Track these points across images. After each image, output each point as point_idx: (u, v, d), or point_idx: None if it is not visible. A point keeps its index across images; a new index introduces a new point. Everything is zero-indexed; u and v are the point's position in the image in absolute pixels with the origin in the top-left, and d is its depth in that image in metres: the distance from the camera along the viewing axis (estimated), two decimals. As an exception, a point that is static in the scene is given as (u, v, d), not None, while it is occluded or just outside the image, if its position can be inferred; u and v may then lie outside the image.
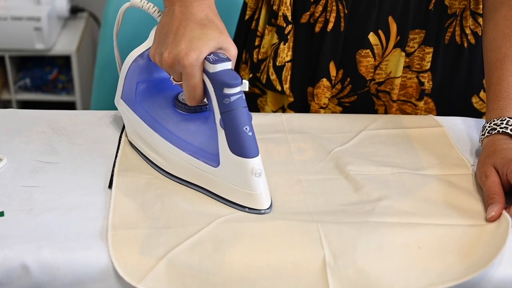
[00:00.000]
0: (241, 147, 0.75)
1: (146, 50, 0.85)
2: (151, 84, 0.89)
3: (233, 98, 0.75)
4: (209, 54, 0.76)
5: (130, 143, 0.90)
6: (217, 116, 0.77)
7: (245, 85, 0.76)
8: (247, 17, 1.16)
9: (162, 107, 0.86)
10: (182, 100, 0.85)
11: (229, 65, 0.77)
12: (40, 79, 2.36)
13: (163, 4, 0.83)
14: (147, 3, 0.85)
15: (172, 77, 0.81)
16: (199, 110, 0.83)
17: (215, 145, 0.78)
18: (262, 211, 0.77)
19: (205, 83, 0.78)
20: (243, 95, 0.76)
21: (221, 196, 0.79)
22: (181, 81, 0.79)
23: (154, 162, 0.85)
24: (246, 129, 0.76)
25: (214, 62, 0.76)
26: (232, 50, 0.79)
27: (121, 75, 0.89)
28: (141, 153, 0.87)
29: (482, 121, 0.93)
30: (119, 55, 0.92)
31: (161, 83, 0.89)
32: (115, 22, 0.90)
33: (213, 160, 0.78)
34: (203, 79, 0.77)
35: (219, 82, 0.75)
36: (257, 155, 0.76)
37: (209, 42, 0.77)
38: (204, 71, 0.77)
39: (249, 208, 0.77)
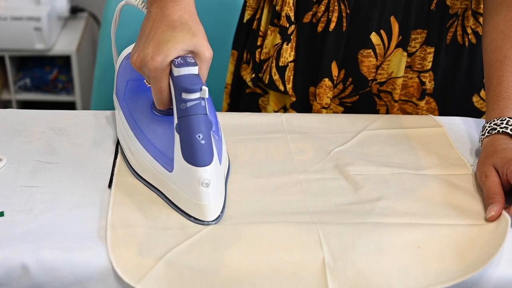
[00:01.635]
0: (192, 154, 0.74)
1: None
2: (140, 83, 0.89)
3: (189, 104, 0.74)
4: (178, 57, 0.75)
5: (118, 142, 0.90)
6: (175, 121, 0.76)
7: (205, 92, 0.74)
8: (248, 17, 1.16)
9: (142, 107, 0.85)
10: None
11: (195, 70, 0.75)
12: (40, 79, 2.36)
13: None
14: (141, 2, 0.85)
15: (146, 79, 0.81)
16: (171, 113, 0.82)
17: (172, 150, 0.77)
18: (206, 222, 0.74)
19: (170, 87, 0.77)
20: (203, 101, 0.75)
21: (173, 202, 0.77)
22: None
23: (128, 160, 0.84)
24: (199, 136, 0.74)
25: (179, 65, 0.74)
26: (206, 53, 0.77)
27: (115, 72, 0.89)
28: (122, 151, 0.87)
29: (482, 121, 0.93)
30: (116, 54, 0.92)
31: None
32: (113, 20, 0.90)
33: (169, 164, 0.77)
34: (169, 83, 0.77)
35: (178, 86, 0.74)
36: (207, 165, 0.74)
37: (177, 45, 0.75)
38: (170, 74, 0.76)
39: (194, 218, 0.75)
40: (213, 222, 0.75)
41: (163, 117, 0.83)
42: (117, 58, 0.92)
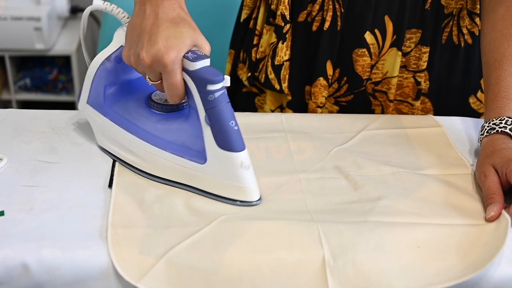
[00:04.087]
0: (229, 141, 0.76)
1: (112, 53, 0.85)
2: (119, 87, 0.88)
3: (217, 94, 0.75)
4: (187, 52, 0.76)
5: (102, 149, 0.89)
6: (202, 113, 0.77)
7: (227, 81, 0.76)
8: (245, 16, 1.16)
9: (136, 109, 0.85)
10: (157, 100, 0.84)
11: (208, 62, 0.77)
12: (40, 79, 2.36)
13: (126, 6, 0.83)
14: (110, 5, 0.84)
15: (148, 77, 0.80)
16: (176, 109, 0.83)
17: (200, 142, 0.78)
18: (254, 202, 0.78)
19: (184, 81, 0.77)
20: (225, 90, 0.77)
21: (210, 192, 0.79)
22: (158, 80, 0.79)
23: (133, 164, 0.84)
24: (232, 123, 0.76)
25: (194, 60, 0.75)
26: (206, 47, 0.79)
27: (87, 80, 0.87)
28: (116, 157, 0.86)
29: (481, 121, 0.93)
30: (89, 59, 0.90)
31: (129, 85, 0.88)
32: (81, 25, 0.89)
33: (199, 157, 0.78)
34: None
35: (202, 79, 0.75)
36: (244, 149, 0.77)
37: (185, 40, 0.77)
38: (184, 69, 0.77)
39: (240, 201, 0.78)
40: (259, 202, 0.78)
41: (167, 114, 0.83)
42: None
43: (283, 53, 1.09)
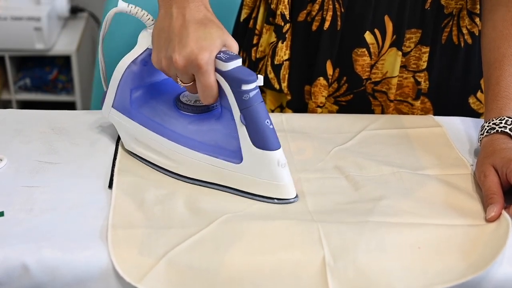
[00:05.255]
0: (265, 140, 0.77)
1: (138, 56, 0.84)
2: (146, 90, 0.88)
3: (251, 94, 0.76)
4: (219, 53, 0.77)
5: (128, 151, 0.88)
6: (236, 113, 0.77)
7: (260, 80, 0.77)
8: (245, 15, 1.17)
9: (165, 111, 0.85)
10: (186, 101, 0.84)
11: (240, 62, 0.77)
12: (40, 79, 2.36)
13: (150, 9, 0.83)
14: (135, 8, 0.84)
15: (180, 79, 0.80)
16: (206, 110, 0.83)
17: (234, 142, 0.78)
18: (291, 200, 0.79)
19: (218, 81, 0.78)
20: (259, 89, 0.77)
21: (246, 191, 0.79)
22: (191, 82, 0.79)
23: (163, 166, 0.84)
24: (267, 122, 0.77)
25: (227, 60, 0.76)
26: (235, 46, 0.79)
27: (113, 84, 0.87)
28: (145, 159, 0.86)
29: (481, 121, 0.93)
30: (103, 60, 0.90)
31: (155, 88, 0.89)
32: (103, 26, 0.89)
33: (235, 156, 0.79)
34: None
35: (236, 79, 0.76)
36: (280, 147, 0.78)
37: (216, 40, 0.77)
38: (216, 70, 0.77)
39: (277, 199, 0.79)
40: (296, 199, 0.80)
41: (198, 116, 0.84)
42: (104, 66, 0.91)
43: (283, 52, 1.09)
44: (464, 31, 1.06)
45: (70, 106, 2.39)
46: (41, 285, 0.69)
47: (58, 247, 0.70)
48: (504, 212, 0.77)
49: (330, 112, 1.13)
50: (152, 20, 0.84)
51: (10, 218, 0.74)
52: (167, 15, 0.80)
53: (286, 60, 1.10)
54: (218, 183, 0.81)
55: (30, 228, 0.73)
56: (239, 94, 0.76)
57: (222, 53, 0.77)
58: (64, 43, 2.30)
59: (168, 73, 0.80)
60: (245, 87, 0.76)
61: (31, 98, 2.38)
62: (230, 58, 0.76)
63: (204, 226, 0.74)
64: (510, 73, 0.90)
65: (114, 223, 0.74)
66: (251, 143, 0.77)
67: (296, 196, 0.80)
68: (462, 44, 1.07)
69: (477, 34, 1.07)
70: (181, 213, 0.77)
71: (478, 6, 1.05)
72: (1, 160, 0.85)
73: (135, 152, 0.87)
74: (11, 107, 2.32)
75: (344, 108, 1.12)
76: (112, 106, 0.89)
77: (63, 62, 2.39)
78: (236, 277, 0.68)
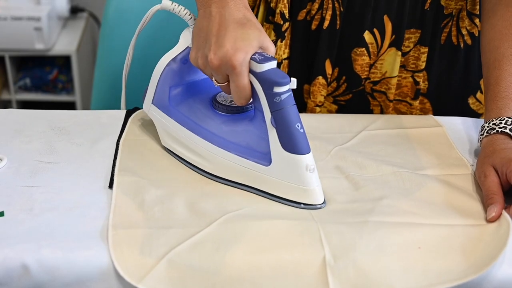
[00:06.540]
0: (294, 144, 0.76)
1: (179, 54, 0.85)
2: (185, 88, 0.89)
3: (283, 97, 0.76)
4: (254, 54, 0.76)
5: (166, 148, 0.89)
6: (267, 115, 0.77)
7: (293, 83, 0.76)
8: (245, 14, 1.16)
9: (201, 110, 0.85)
10: (222, 101, 0.85)
11: (275, 64, 0.77)
12: (40, 79, 2.36)
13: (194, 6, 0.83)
14: (178, 6, 0.84)
15: (215, 79, 0.80)
16: (241, 110, 0.83)
17: (265, 144, 0.78)
18: (318, 206, 0.78)
19: (251, 82, 0.77)
20: (292, 93, 0.77)
21: (274, 194, 0.79)
22: (225, 82, 0.79)
23: (196, 165, 0.85)
24: (298, 126, 0.76)
25: (261, 61, 0.76)
26: (272, 48, 0.79)
27: (153, 81, 0.88)
28: (179, 157, 0.87)
29: (481, 121, 0.93)
30: (131, 54, 0.91)
31: (194, 86, 0.89)
32: (142, 21, 0.89)
33: (264, 159, 0.79)
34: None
35: (269, 81, 0.75)
36: (310, 151, 0.77)
37: (252, 42, 0.77)
38: (250, 71, 0.77)
39: (304, 204, 0.78)
40: (323, 205, 0.78)
41: (232, 116, 0.84)
42: (130, 62, 0.92)
43: (282, 51, 1.09)
44: (464, 31, 1.06)
45: (70, 106, 2.39)
46: (41, 285, 0.69)
47: (58, 247, 0.70)
48: (504, 212, 0.77)
49: (329, 111, 1.13)
50: (194, 19, 0.84)
51: (10, 218, 0.74)
52: (206, 14, 0.80)
53: (285, 59, 1.10)
54: (248, 184, 0.81)
55: (30, 228, 0.73)
56: (271, 96, 0.76)
57: (257, 54, 0.76)
58: (64, 43, 2.30)
59: (205, 71, 0.81)
60: (277, 89, 0.75)
61: (31, 98, 2.37)
62: (265, 59, 0.76)
63: (205, 226, 0.74)
64: (510, 73, 0.90)
65: (114, 223, 0.74)
66: (280, 146, 0.76)
67: (324, 202, 0.79)
68: (462, 45, 1.07)
69: (476, 35, 1.07)
70: (182, 213, 0.77)
71: (477, 7, 1.05)
72: (1, 160, 0.85)
73: (171, 149, 0.88)
74: (11, 107, 2.32)
75: (343, 108, 1.12)
76: (152, 103, 0.89)
77: (63, 62, 2.39)
78: (236, 277, 0.68)
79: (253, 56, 0.76)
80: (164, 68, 0.86)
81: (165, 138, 0.89)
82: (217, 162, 0.82)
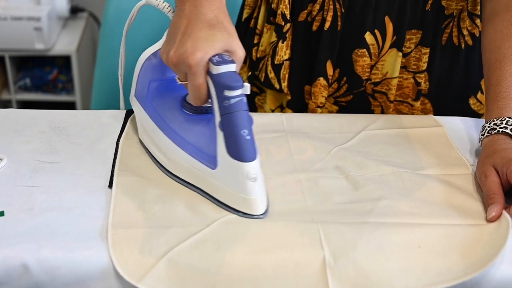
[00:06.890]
0: (238, 150, 0.75)
1: (159, 49, 0.85)
2: (163, 83, 0.89)
3: (233, 101, 0.75)
4: (214, 56, 0.76)
5: (141, 141, 0.90)
6: (217, 118, 0.76)
7: (247, 88, 0.75)
8: (246, 15, 1.17)
9: (170, 107, 0.86)
10: (188, 100, 0.85)
11: (232, 67, 0.76)
12: (40, 79, 2.36)
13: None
14: (162, 2, 0.85)
15: (177, 76, 0.81)
16: (205, 111, 0.83)
17: (213, 147, 0.78)
18: (255, 216, 0.76)
19: (208, 84, 0.78)
20: (244, 98, 0.76)
21: (217, 198, 0.78)
22: (185, 81, 0.79)
23: (159, 160, 0.85)
24: (244, 132, 0.75)
25: (218, 63, 0.75)
26: (240, 53, 0.79)
27: (135, 73, 0.89)
28: (149, 151, 0.87)
29: (481, 121, 0.93)
30: (124, 53, 0.91)
31: (173, 83, 0.88)
32: (128, 19, 0.89)
33: (211, 162, 0.78)
34: (207, 80, 0.77)
35: (220, 83, 0.75)
36: (254, 159, 0.75)
37: (216, 43, 0.76)
38: (208, 72, 0.77)
39: (243, 213, 0.76)
40: (262, 216, 0.76)
41: (195, 116, 0.84)
42: (124, 59, 0.92)
43: (283, 52, 1.09)
44: (465, 32, 1.06)
45: (70, 106, 2.39)
46: (41, 285, 0.69)
47: (58, 247, 0.70)
48: (504, 212, 0.77)
49: (330, 112, 1.13)
50: None
51: (10, 218, 0.74)
52: (179, 12, 0.80)
53: (286, 60, 1.10)
54: (197, 185, 0.80)
55: (30, 228, 0.73)
56: (221, 99, 0.75)
57: (217, 56, 0.76)
58: (64, 43, 2.30)
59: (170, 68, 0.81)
60: (227, 92, 0.74)
61: (31, 98, 2.37)
62: (223, 62, 0.75)
63: (205, 226, 0.74)
64: (511, 73, 0.90)
65: (114, 223, 0.74)
66: (225, 150, 0.75)
67: (264, 213, 0.76)
68: (463, 45, 1.07)
69: (477, 35, 1.07)
70: (182, 213, 0.77)
71: (478, 7, 1.05)
72: (1, 160, 0.85)
73: (143, 142, 0.88)
74: (11, 107, 2.32)
75: (344, 109, 1.12)
76: (134, 95, 0.90)
77: (63, 62, 2.39)
78: (236, 277, 0.68)
79: (212, 58, 0.76)
80: (144, 62, 0.87)
81: (141, 131, 0.89)
82: (172, 160, 0.82)
